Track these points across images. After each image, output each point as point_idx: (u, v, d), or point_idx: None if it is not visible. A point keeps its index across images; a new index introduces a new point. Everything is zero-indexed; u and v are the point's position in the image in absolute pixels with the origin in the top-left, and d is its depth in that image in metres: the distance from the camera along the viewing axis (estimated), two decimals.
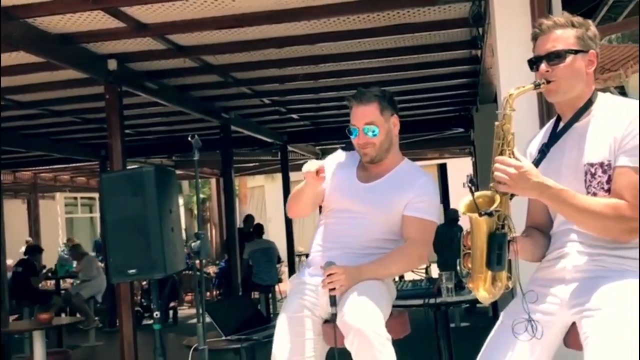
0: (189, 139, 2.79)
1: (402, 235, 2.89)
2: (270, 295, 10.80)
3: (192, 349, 3.06)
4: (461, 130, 11.31)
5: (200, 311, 2.83)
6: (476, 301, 3.79)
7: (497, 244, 2.03)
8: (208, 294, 12.18)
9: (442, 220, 2.81)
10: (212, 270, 12.83)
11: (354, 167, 2.99)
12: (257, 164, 15.97)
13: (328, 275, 2.74)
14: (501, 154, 2.08)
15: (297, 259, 12.95)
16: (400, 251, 2.85)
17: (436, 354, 3.88)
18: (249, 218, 12.12)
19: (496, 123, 2.10)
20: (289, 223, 11.69)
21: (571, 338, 2.18)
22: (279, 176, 14.31)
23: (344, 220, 2.89)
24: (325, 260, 2.81)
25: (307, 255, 3.10)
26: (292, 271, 11.43)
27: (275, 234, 14.59)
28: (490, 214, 2.01)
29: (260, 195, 23.81)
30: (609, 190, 2.11)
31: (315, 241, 3.00)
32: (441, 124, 11.20)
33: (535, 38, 2.27)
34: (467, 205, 2.08)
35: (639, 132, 2.05)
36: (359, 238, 2.87)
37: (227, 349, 3.47)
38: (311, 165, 2.79)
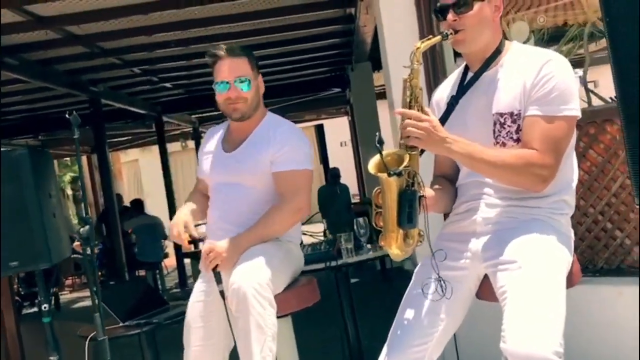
0: (67, 116, 2.57)
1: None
2: (157, 272, 10.55)
3: (88, 339, 2.88)
4: (338, 90, 11.38)
5: (97, 301, 2.65)
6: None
7: (408, 202, 1.99)
8: None
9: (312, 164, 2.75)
10: None
11: (220, 139, 2.90)
12: (129, 137, 15.41)
13: (207, 256, 2.63)
14: (409, 109, 2.03)
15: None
16: (272, 211, 2.71)
17: (339, 314, 3.90)
18: (117, 197, 11.63)
19: (404, 77, 2.05)
20: (170, 197, 11.40)
21: (484, 290, 2.20)
22: (154, 149, 13.87)
23: (222, 195, 2.79)
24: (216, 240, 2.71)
25: None
26: (177, 246, 11.16)
27: (154, 208, 14.14)
28: (399, 174, 1.97)
29: (136, 170, 23.05)
30: (518, 140, 2.10)
31: (207, 222, 2.89)
32: (317, 85, 11.21)
33: None
34: (376, 165, 2.03)
35: (549, 79, 2.05)
36: (240, 209, 2.75)
37: (127, 336, 3.28)
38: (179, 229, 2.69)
